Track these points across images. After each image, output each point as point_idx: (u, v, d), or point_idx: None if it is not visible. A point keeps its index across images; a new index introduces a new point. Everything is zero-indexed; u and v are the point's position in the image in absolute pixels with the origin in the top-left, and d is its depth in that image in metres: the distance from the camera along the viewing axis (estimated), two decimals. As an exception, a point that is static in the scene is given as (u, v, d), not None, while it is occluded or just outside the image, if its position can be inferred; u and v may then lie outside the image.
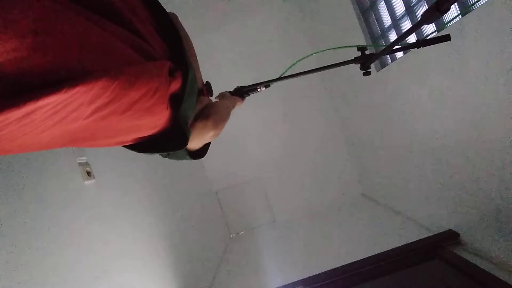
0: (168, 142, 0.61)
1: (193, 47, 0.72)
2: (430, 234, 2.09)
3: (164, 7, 0.62)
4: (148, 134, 0.58)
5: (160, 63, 0.50)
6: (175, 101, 0.56)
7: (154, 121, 0.54)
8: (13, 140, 0.38)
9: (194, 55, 0.72)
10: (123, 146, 0.63)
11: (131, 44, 0.45)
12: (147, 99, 0.47)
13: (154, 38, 0.54)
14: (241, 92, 0.99)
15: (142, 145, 0.61)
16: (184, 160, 0.79)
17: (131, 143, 0.59)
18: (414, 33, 1.73)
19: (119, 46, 0.43)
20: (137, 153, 0.64)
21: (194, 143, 0.73)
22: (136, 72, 0.44)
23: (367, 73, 1.01)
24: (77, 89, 0.36)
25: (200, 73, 0.74)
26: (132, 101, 0.45)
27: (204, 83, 0.77)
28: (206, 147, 0.80)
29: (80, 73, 0.37)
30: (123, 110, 0.45)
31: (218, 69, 3.53)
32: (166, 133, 0.59)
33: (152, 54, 0.50)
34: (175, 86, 0.56)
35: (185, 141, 0.61)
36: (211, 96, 0.77)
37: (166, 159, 0.79)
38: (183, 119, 0.61)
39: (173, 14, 0.71)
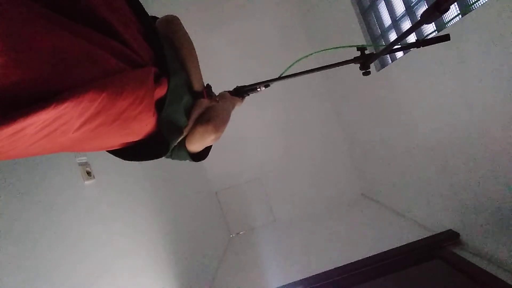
0: (152, 147, 0.61)
1: (193, 49, 0.71)
2: (430, 234, 2.08)
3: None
4: (135, 140, 0.58)
5: (145, 70, 0.50)
6: (161, 106, 0.57)
7: (141, 127, 0.54)
8: (2, 153, 0.38)
9: (194, 59, 0.71)
10: (108, 152, 0.63)
11: (116, 53, 0.45)
12: (134, 107, 0.47)
13: (141, 45, 0.53)
14: (241, 92, 0.99)
15: (128, 151, 0.61)
16: (186, 161, 0.79)
17: (118, 147, 0.59)
18: (414, 33, 1.73)
19: (104, 56, 0.42)
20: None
21: (195, 146, 0.73)
22: (122, 82, 0.44)
23: (366, 73, 1.01)
24: (66, 104, 0.36)
25: (200, 75, 0.73)
26: (120, 111, 0.45)
27: (205, 85, 0.76)
28: (207, 149, 0.80)
29: (66, 86, 0.36)
30: (112, 120, 0.45)
31: (217, 69, 3.52)
32: (151, 139, 0.59)
33: (138, 61, 0.50)
34: (161, 92, 0.56)
35: (167, 146, 0.61)
36: (211, 98, 0.76)
37: (167, 159, 0.79)
38: (167, 125, 0.61)
39: (174, 16, 0.70)
